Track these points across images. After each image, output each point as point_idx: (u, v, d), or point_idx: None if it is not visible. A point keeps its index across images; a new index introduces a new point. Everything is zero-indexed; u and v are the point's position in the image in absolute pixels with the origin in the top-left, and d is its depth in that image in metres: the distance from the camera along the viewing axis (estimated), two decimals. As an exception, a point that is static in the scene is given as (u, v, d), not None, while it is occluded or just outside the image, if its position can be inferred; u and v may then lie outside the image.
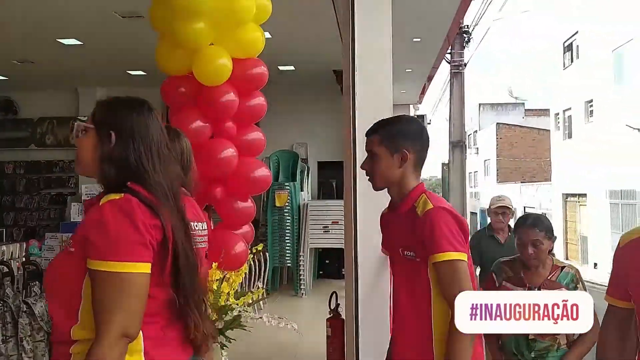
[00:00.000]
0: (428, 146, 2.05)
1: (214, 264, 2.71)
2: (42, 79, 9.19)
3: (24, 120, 10.50)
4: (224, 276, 2.84)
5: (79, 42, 6.92)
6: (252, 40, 2.80)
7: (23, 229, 10.39)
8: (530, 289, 2.68)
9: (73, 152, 1.55)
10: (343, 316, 4.17)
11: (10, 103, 10.42)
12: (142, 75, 8.76)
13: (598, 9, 19.31)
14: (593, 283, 17.43)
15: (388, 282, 3.76)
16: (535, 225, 2.70)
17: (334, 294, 4.33)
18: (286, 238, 7.98)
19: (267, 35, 7.00)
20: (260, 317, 2.73)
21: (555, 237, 2.75)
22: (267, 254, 7.33)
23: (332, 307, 4.29)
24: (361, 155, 3.84)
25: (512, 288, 2.71)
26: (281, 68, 8.83)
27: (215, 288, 2.75)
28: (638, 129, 16.20)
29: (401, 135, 1.97)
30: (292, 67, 8.86)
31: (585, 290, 2.61)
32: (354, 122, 3.89)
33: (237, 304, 2.84)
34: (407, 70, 8.55)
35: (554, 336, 2.70)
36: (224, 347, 2.79)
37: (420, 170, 2.02)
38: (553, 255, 2.78)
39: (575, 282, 2.68)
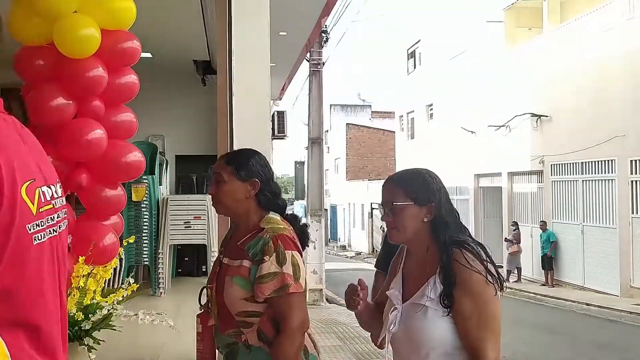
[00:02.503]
0: None
1: (81, 258, 2.42)
2: None
3: None
4: (90, 272, 2.56)
5: None
6: (122, 9, 2.55)
7: None
8: (222, 253, 2.18)
9: None
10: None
11: None
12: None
13: (437, 20, 21.07)
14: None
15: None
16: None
17: (205, 289, 4.16)
18: (144, 235, 7.52)
19: (124, 17, 6.58)
20: (136, 314, 2.49)
21: (258, 182, 2.06)
22: (122, 252, 6.83)
23: (202, 303, 4.13)
24: (238, 148, 3.77)
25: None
26: (137, 55, 8.32)
27: (82, 285, 2.46)
28: (471, 131, 17.99)
29: None
30: (149, 55, 8.36)
31: (281, 266, 1.97)
32: (230, 116, 3.77)
33: (107, 302, 2.58)
34: (270, 65, 8.53)
35: (236, 331, 2.11)
36: (92, 350, 2.51)
37: None
38: (270, 212, 2.08)
39: (264, 253, 1.97)
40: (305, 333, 2.09)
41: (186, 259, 8.63)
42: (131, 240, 2.78)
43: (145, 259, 7.52)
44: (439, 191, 1.83)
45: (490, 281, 1.71)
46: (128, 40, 2.59)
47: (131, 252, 7.44)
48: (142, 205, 7.46)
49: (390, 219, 1.83)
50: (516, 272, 14.90)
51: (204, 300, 4.12)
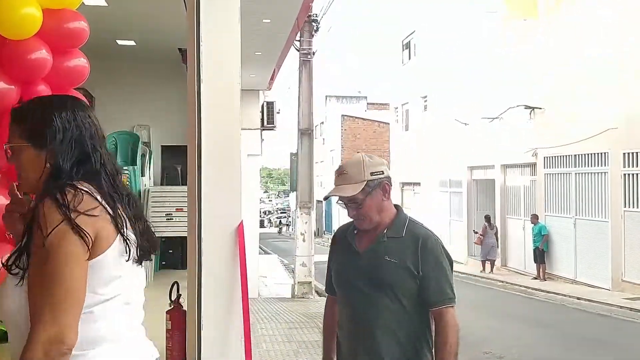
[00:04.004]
0: None
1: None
2: None
3: None
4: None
5: None
6: (67, -13, 2.37)
7: None
8: None
9: None
10: (185, 308, 3.89)
11: None
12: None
13: (432, 10, 20.85)
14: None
15: (236, 272, 3.56)
16: None
17: (175, 284, 4.02)
18: (124, 227, 7.37)
19: (102, 3, 6.37)
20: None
21: None
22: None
23: (172, 299, 3.99)
24: (207, 138, 3.64)
25: None
26: (120, 42, 8.10)
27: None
28: (464, 123, 17.84)
29: None
30: (132, 42, 8.17)
31: None
32: (199, 104, 3.61)
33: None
34: (256, 53, 8.34)
35: None
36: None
37: None
38: None
39: None
40: None
41: (170, 251, 8.49)
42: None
43: (125, 252, 7.37)
44: (65, 130, 1.40)
45: (54, 234, 1.28)
46: (74, 20, 2.41)
47: (111, 244, 7.29)
48: (123, 196, 7.31)
49: (10, 162, 1.43)
50: (488, 263, 15.53)
51: (174, 296, 3.99)
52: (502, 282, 14.01)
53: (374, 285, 2.14)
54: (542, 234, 13.82)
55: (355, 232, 2.25)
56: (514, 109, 15.08)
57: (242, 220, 3.64)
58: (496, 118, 16.01)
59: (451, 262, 2.19)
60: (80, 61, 2.47)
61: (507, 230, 16.19)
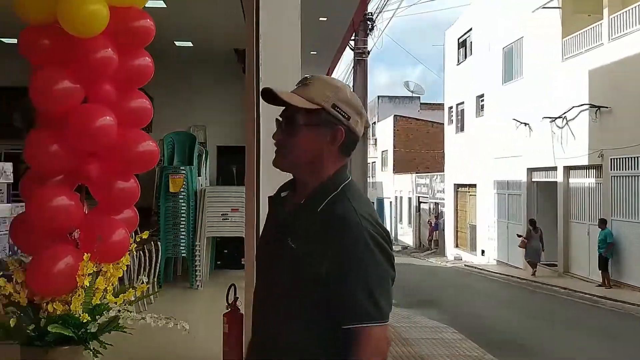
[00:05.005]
0: None
1: (86, 255, 2.24)
2: None
3: None
4: (100, 270, 2.38)
5: None
6: (134, -15, 2.33)
7: None
8: None
9: None
10: (242, 311, 3.83)
11: None
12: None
13: (491, 7, 20.25)
14: (481, 269, 18.37)
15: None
16: None
17: (232, 287, 3.97)
18: (181, 226, 7.45)
19: (161, 4, 6.45)
20: (143, 318, 2.29)
21: None
22: (159, 243, 6.78)
23: (229, 301, 3.94)
24: (265, 138, 3.56)
25: None
26: (178, 43, 8.22)
27: (87, 284, 2.28)
28: (524, 123, 17.21)
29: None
30: (189, 43, 8.28)
31: None
32: (257, 104, 3.54)
33: (116, 303, 2.39)
34: (312, 53, 8.28)
35: None
36: (98, 355, 2.33)
37: None
38: None
39: None
40: None
41: (225, 251, 8.55)
42: (144, 236, 2.58)
43: (182, 251, 7.46)
44: None
45: None
46: (140, 18, 2.36)
47: (169, 244, 7.40)
48: (180, 196, 7.39)
49: None
50: (533, 265, 15.51)
51: (232, 298, 3.94)
52: (565, 288, 13.41)
53: (276, 281, 1.47)
54: (608, 241, 13.10)
55: (289, 191, 1.57)
56: (578, 108, 14.41)
57: (300, 223, 3.54)
58: (558, 118, 15.35)
59: (389, 260, 1.43)
60: (145, 60, 2.43)
61: (571, 234, 15.48)
